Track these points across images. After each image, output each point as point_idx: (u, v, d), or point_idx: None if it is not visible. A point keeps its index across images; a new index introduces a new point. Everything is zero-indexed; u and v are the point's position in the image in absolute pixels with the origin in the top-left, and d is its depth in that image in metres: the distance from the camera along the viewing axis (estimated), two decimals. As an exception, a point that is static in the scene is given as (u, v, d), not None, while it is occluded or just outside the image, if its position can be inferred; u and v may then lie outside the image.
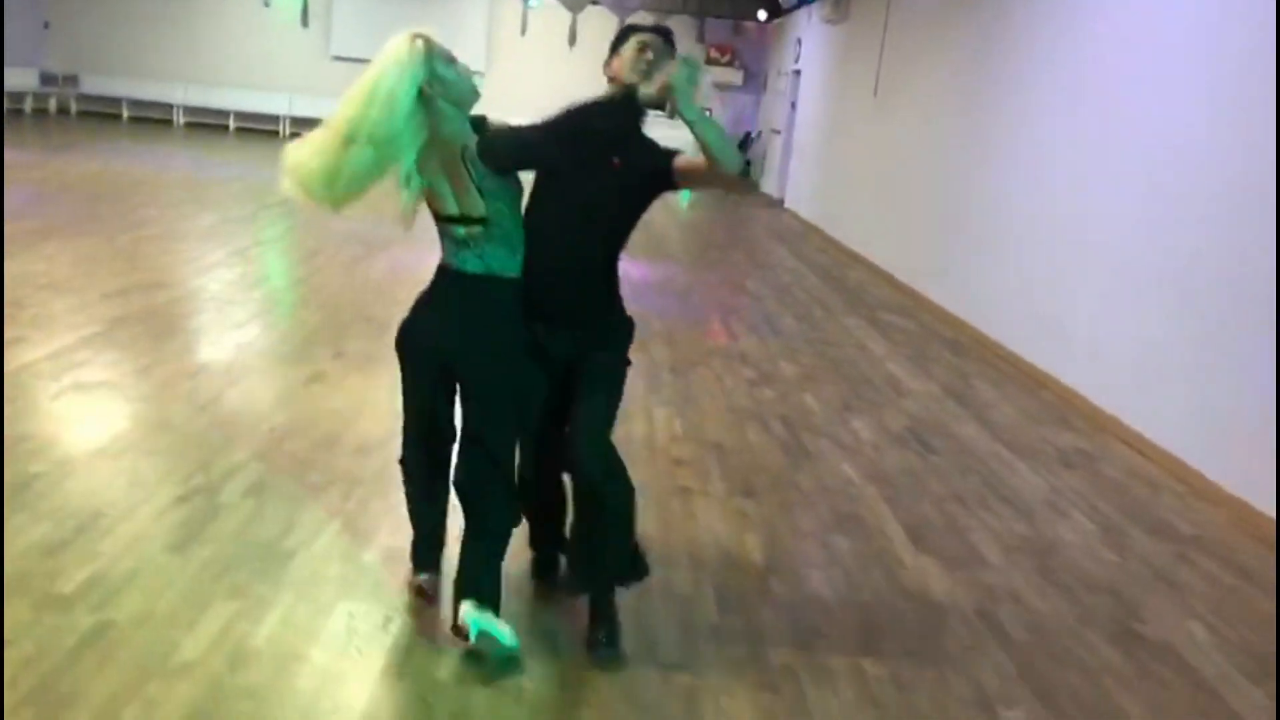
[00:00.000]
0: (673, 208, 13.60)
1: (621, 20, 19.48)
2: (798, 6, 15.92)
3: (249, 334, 5.71)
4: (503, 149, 2.65)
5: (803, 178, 15.16)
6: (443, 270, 2.72)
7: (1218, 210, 4.94)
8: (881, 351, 6.96)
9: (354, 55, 17.97)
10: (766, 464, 4.52)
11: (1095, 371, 5.89)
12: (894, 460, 4.76)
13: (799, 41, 16.26)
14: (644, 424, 4.80)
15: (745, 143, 19.27)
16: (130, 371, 4.80)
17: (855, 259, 11.04)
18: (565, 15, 19.21)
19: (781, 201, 16.29)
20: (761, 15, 18.16)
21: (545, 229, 2.74)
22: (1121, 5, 6.21)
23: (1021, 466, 4.87)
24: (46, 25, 18.59)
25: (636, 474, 2.91)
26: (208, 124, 18.69)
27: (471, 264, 2.65)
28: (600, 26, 19.31)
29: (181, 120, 18.77)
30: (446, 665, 2.68)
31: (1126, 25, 6.08)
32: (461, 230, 2.63)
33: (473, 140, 2.63)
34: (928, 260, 9.01)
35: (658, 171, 2.78)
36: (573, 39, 19.44)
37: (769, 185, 17.67)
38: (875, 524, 3.98)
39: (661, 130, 2.76)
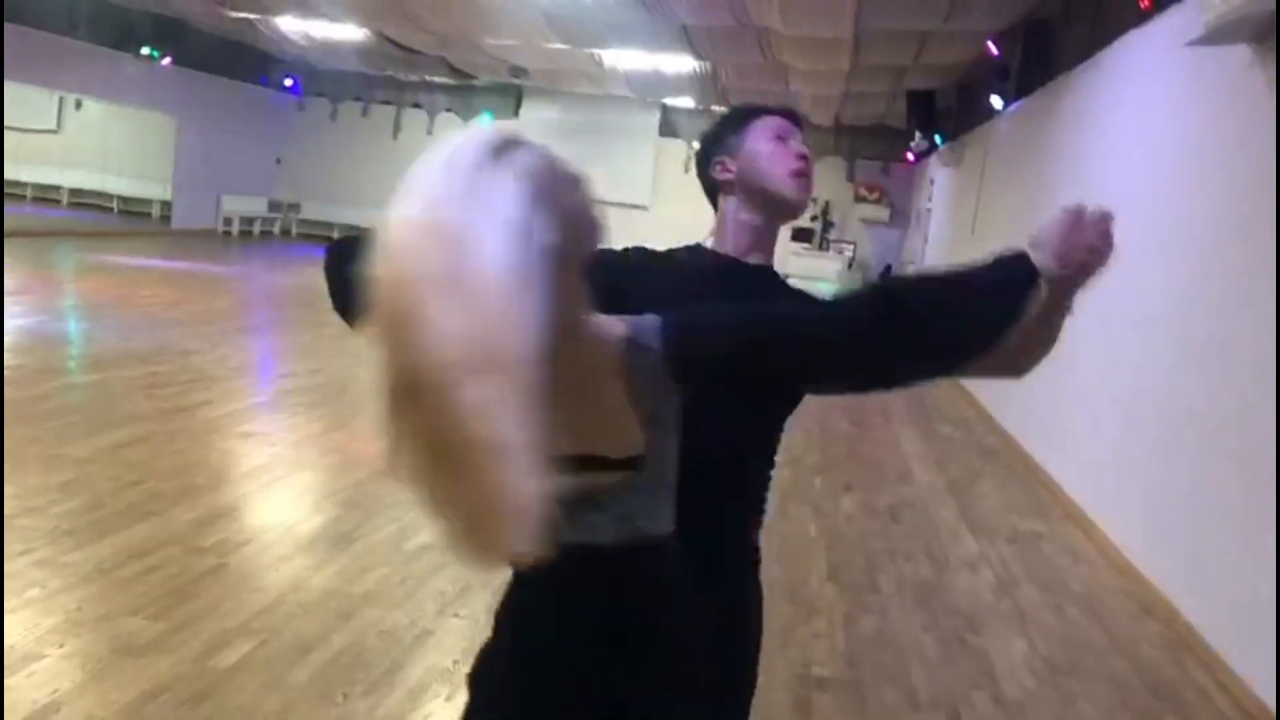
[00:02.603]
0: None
1: (777, 160, 21.17)
2: (929, 152, 17.16)
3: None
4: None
5: (926, 307, 16.25)
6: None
7: (1217, 362, 5.39)
8: (913, 451, 8.01)
9: (532, 189, 20.45)
10: (745, 519, 5.71)
11: (1086, 474, 6.78)
12: (858, 526, 5.87)
13: (932, 182, 17.49)
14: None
15: (885, 273, 20.42)
16: (283, 427, 6.47)
17: (952, 382, 12.01)
18: (724, 155, 21.01)
19: (911, 329, 17.30)
20: (909, 156, 19.46)
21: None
22: (1141, 193, 7.28)
23: (969, 539, 5.88)
24: (279, 161, 21.71)
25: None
26: (405, 246, 21.23)
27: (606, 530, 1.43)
28: (756, 165, 21.09)
29: (383, 243, 21.39)
30: (435, 604, 4.04)
31: (1140, 204, 7.15)
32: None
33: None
34: (997, 385, 9.96)
35: None
36: (731, 176, 21.19)
37: (904, 314, 18.75)
38: (805, 562, 5.12)
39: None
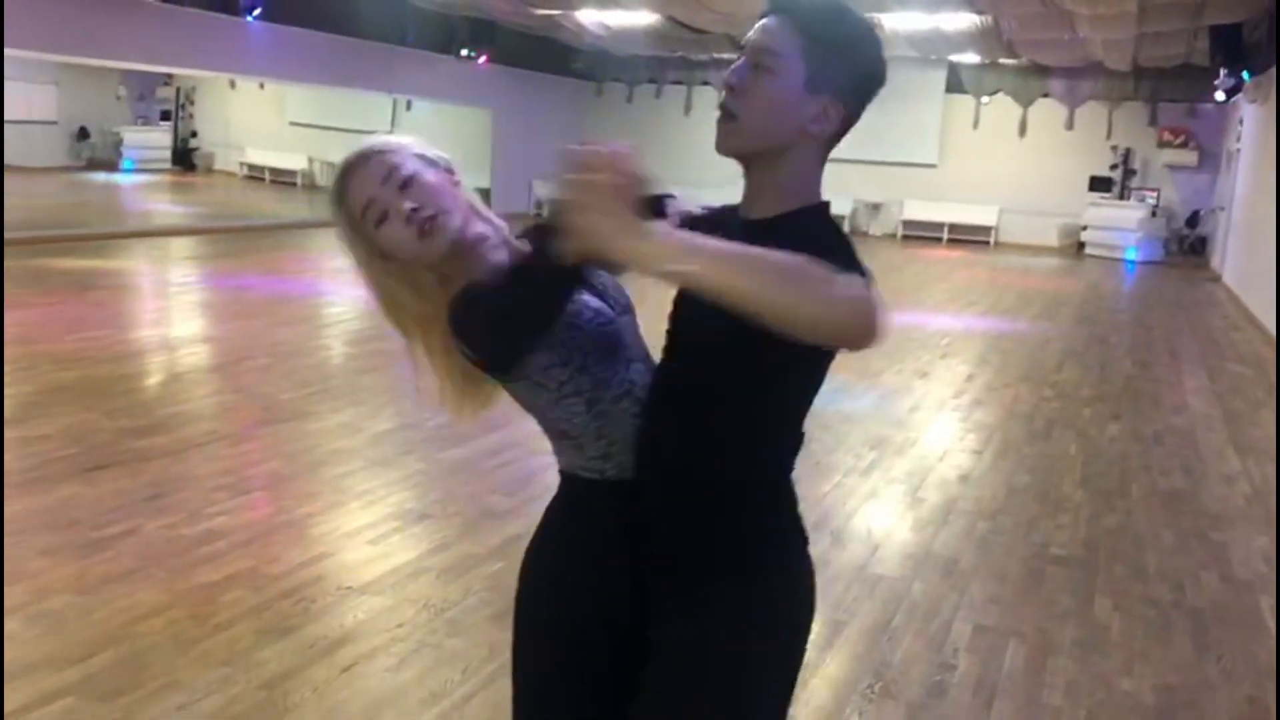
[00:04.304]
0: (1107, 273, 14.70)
1: (1071, 111, 20.62)
2: (1237, 89, 16.30)
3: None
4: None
5: (1232, 251, 15.54)
6: None
7: None
8: (1194, 387, 8.09)
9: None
10: (1010, 437, 6.22)
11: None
12: (1120, 447, 6.21)
13: (1241, 121, 16.62)
14: (933, 411, 6.69)
15: (1194, 219, 19.49)
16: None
17: (1251, 322, 11.64)
18: (1015, 107, 20.67)
19: (1219, 276, 16.55)
20: (1219, 96, 18.46)
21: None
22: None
23: (1233, 458, 6.09)
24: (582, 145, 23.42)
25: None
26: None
27: None
28: (1049, 117, 20.59)
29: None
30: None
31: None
32: None
33: None
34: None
35: None
36: (1023, 130, 20.82)
37: (1213, 261, 17.88)
38: (1058, 473, 5.58)
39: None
